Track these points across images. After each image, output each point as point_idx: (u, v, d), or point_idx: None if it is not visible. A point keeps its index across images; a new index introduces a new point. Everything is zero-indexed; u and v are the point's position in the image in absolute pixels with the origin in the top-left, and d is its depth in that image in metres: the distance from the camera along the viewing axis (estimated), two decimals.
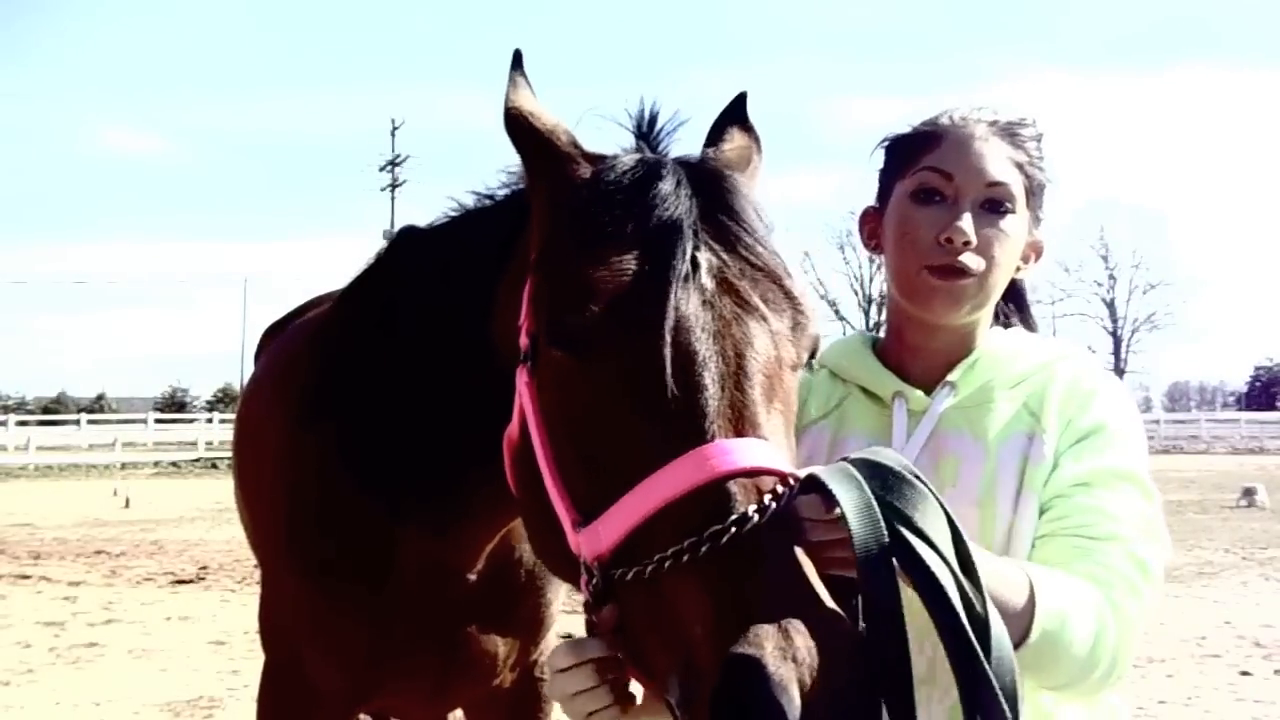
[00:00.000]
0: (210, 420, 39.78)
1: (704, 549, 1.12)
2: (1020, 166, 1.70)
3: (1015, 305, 1.90)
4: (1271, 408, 56.37)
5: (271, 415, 2.41)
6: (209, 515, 16.57)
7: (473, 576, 2.10)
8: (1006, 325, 1.87)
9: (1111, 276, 70.39)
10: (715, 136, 1.70)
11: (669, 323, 1.26)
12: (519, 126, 1.58)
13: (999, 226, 1.67)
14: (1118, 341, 70.52)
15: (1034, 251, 1.79)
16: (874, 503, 1.15)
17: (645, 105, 1.59)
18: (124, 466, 30.62)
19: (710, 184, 1.43)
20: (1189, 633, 7.97)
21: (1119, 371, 70.42)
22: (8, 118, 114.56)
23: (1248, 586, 10.08)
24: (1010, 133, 1.72)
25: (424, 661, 2.17)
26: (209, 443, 35.10)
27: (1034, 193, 1.74)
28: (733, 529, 1.12)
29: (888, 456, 1.24)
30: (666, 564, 1.14)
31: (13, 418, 37.41)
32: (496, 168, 1.90)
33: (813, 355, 1.43)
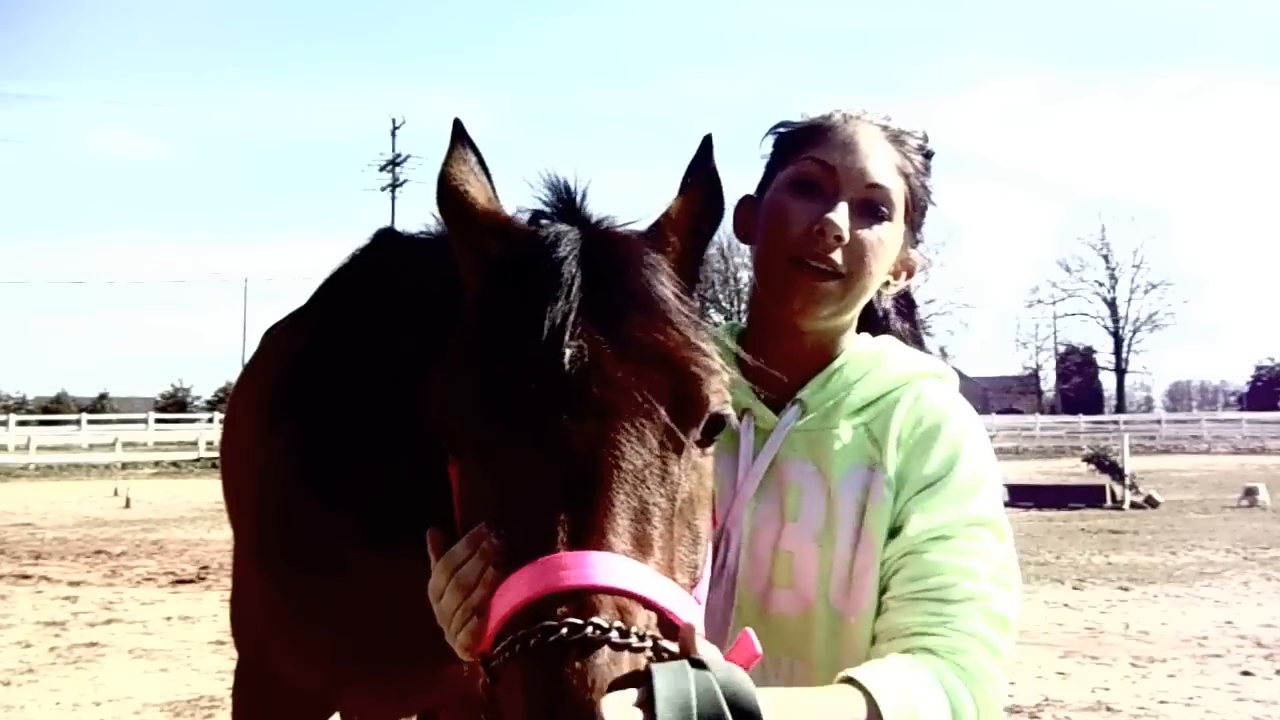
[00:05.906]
0: (211, 420, 39.67)
1: (529, 643, 1.13)
2: (905, 175, 1.67)
3: (907, 321, 1.87)
4: (1273, 407, 56.30)
5: (243, 411, 2.42)
6: (209, 515, 16.58)
7: None
8: (906, 338, 1.82)
9: (1113, 276, 70.55)
10: (684, 186, 1.58)
11: (520, 429, 1.25)
12: (446, 199, 1.52)
13: (874, 231, 1.62)
14: (1119, 341, 70.59)
15: (905, 268, 1.75)
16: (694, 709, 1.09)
17: (565, 177, 1.53)
18: (124, 466, 30.69)
19: (608, 259, 1.37)
20: (1190, 633, 7.99)
21: (1120, 372, 70.55)
22: (7, 118, 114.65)
23: (1249, 587, 10.09)
24: (899, 140, 1.68)
25: (388, 664, 2.14)
26: (209, 443, 34.94)
27: (914, 206, 1.70)
28: (543, 635, 1.12)
29: (747, 693, 1.12)
30: (505, 657, 1.16)
31: (13, 417, 37.35)
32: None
33: (713, 429, 1.33)
